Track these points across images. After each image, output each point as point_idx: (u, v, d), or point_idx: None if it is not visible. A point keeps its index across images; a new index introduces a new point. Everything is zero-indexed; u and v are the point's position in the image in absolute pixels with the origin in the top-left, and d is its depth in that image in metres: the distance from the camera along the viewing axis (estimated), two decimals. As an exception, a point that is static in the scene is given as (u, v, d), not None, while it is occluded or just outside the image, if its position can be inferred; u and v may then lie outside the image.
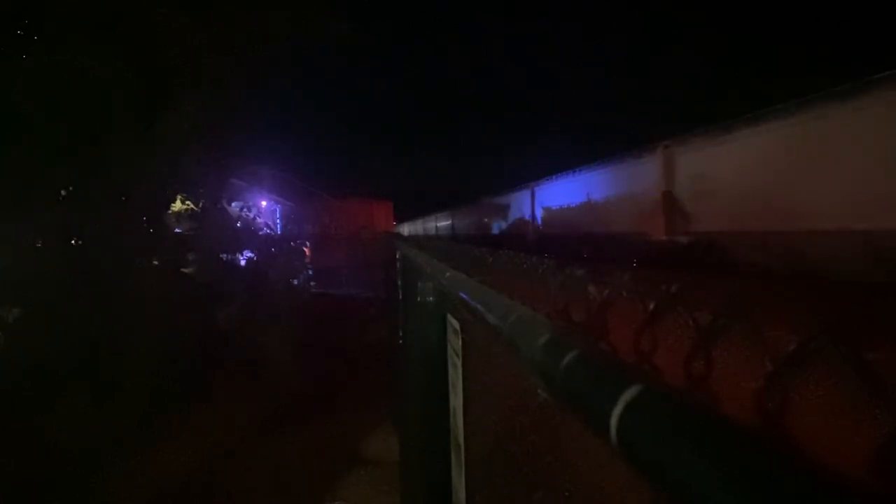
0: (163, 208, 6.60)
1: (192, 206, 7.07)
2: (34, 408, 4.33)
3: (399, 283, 3.09)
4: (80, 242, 5.61)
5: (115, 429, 4.07)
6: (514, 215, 7.65)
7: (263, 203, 12.66)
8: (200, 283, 6.65)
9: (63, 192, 5.61)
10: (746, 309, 0.42)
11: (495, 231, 8.57)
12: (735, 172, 3.09)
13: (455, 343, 1.31)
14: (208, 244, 7.01)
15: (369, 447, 4.26)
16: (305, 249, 13.48)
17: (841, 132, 2.43)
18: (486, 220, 9.26)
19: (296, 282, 11.16)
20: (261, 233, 8.84)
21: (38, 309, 4.98)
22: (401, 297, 2.98)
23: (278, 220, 14.23)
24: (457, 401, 1.32)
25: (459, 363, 1.26)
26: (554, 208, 6.14)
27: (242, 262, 8.36)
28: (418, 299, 1.61)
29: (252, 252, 8.49)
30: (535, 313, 0.60)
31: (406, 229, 18.80)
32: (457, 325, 1.29)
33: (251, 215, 8.62)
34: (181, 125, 5.64)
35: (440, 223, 13.65)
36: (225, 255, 7.70)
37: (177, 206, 6.97)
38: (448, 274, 1.18)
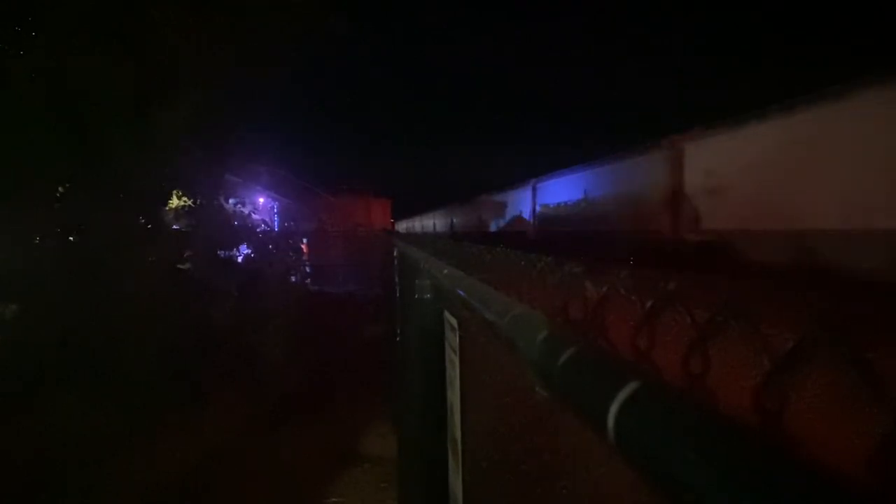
0: (160, 204, 6.58)
1: (188, 202, 7.05)
2: (32, 405, 4.32)
3: (397, 280, 3.09)
4: (77, 238, 5.59)
5: (113, 427, 4.06)
6: (514, 212, 7.62)
7: (261, 200, 12.63)
8: (197, 279, 6.64)
9: (61, 189, 5.59)
10: (745, 307, 0.42)
11: (495, 228, 8.55)
12: (738, 170, 3.09)
13: (452, 340, 1.31)
14: (205, 241, 6.98)
15: (368, 444, 4.26)
16: (303, 246, 13.47)
17: (843, 128, 2.43)
18: (485, 217, 9.23)
19: (293, 279, 11.16)
20: (258, 229, 8.82)
21: (36, 305, 4.97)
22: (398, 294, 2.99)
23: (276, 217, 14.21)
24: (454, 397, 1.32)
25: (457, 360, 1.26)
26: (556, 205, 6.11)
27: (240, 259, 8.35)
28: (416, 296, 1.61)
29: (249, 249, 8.47)
30: (532, 311, 0.60)
31: (404, 226, 18.78)
32: (454, 322, 1.28)
33: (248, 212, 8.60)
34: (178, 122, 5.62)
35: (439, 220, 13.62)
36: (222, 252, 7.68)
37: (174, 202, 6.95)
38: (446, 271, 1.18)
